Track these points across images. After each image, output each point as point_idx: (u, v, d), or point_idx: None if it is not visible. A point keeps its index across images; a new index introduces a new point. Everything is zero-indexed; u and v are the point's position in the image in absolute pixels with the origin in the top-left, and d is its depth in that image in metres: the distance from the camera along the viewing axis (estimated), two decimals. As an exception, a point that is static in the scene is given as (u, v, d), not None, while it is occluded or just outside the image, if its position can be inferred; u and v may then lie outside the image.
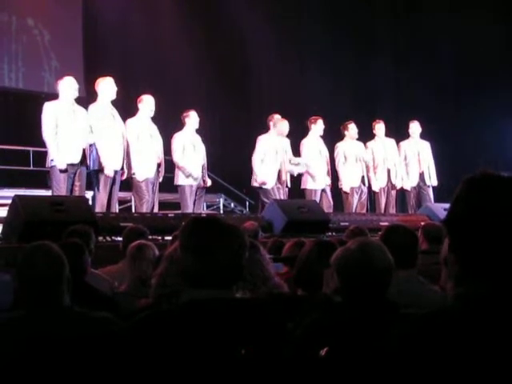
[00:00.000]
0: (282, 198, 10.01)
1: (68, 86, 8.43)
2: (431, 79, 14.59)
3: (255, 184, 10.14)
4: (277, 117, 10.35)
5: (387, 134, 11.38)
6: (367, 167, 10.98)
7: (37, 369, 2.47)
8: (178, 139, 9.51)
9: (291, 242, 4.75)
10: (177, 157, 9.43)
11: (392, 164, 11.20)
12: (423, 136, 11.62)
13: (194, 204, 9.48)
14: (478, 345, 1.40)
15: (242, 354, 2.11)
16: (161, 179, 9.20)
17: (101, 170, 8.49)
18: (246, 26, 14.66)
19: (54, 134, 8.20)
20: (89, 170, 8.51)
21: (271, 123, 10.26)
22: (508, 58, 14.38)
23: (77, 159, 8.31)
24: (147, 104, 9.10)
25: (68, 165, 8.24)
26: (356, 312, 2.60)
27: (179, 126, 9.69)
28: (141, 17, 14.12)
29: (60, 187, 8.15)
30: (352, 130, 10.93)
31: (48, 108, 8.33)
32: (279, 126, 10.17)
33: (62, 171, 8.20)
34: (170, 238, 6.89)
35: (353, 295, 2.66)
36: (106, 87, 8.72)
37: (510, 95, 14.10)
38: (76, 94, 8.51)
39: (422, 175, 11.45)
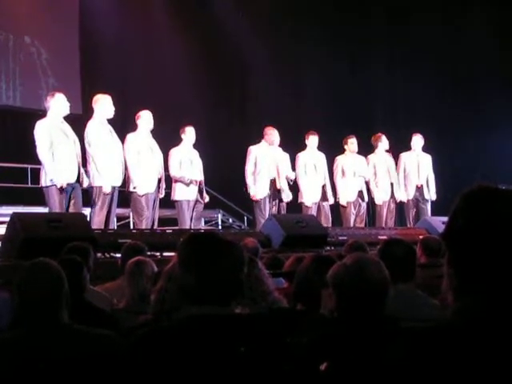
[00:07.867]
0: (274, 209, 9.98)
1: (60, 103, 8.30)
2: (430, 92, 14.57)
3: (251, 196, 10.13)
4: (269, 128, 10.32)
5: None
6: (367, 182, 10.97)
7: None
8: (174, 155, 9.54)
9: (293, 257, 4.71)
10: (174, 171, 9.43)
11: (394, 178, 11.19)
12: (424, 149, 11.59)
13: (192, 219, 9.46)
14: (476, 359, 1.40)
15: (241, 370, 2.10)
16: (162, 195, 9.11)
17: (99, 186, 8.44)
18: (243, 40, 14.74)
19: (50, 153, 8.05)
20: (88, 186, 8.45)
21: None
22: (507, 64, 14.35)
23: (74, 178, 8.20)
24: (146, 119, 9.11)
25: (67, 184, 8.11)
26: (353, 327, 2.60)
27: (176, 141, 9.70)
28: (137, 33, 14.18)
29: (58, 206, 8.01)
30: (352, 144, 10.94)
31: (41, 126, 8.14)
32: (268, 135, 10.18)
33: (61, 190, 8.06)
34: (168, 254, 6.91)
35: (350, 311, 2.66)
36: (105, 105, 8.65)
37: (509, 106, 14.06)
38: (67, 112, 8.39)
39: (420, 189, 11.40)
